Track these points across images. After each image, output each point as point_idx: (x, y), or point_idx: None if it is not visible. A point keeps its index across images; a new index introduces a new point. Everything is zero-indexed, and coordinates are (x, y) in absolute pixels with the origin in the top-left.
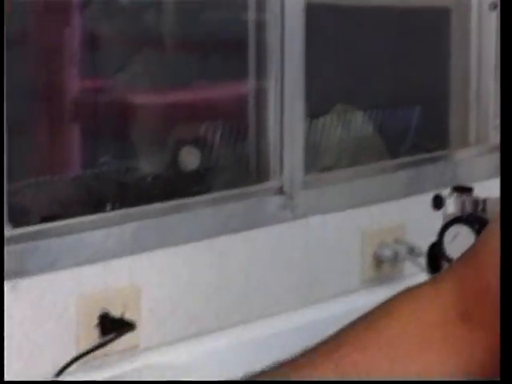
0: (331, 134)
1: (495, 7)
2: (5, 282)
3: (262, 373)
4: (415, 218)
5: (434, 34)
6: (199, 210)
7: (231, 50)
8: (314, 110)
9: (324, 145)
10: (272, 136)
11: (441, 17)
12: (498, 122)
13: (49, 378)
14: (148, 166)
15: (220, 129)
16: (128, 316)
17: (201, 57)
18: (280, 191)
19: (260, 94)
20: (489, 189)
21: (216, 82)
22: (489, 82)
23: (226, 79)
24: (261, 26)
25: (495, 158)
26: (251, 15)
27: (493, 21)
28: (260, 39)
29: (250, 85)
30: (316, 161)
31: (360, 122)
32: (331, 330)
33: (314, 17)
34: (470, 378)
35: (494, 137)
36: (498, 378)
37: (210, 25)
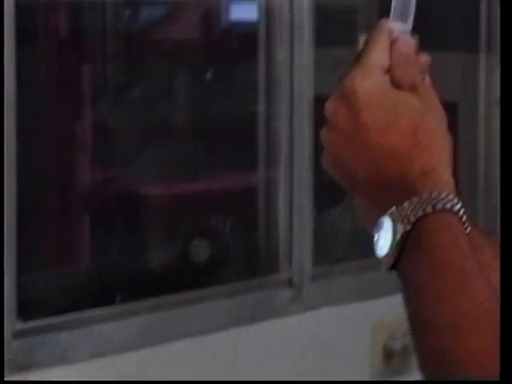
0: (341, 226)
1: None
2: (16, 376)
3: None
4: None
5: None
6: (209, 302)
7: (241, 140)
8: (324, 202)
9: (334, 236)
10: (281, 227)
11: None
12: None
13: None
14: (158, 257)
15: (230, 220)
16: None
17: (211, 148)
18: (289, 283)
19: (269, 186)
20: None
21: (226, 172)
22: (496, 174)
23: (236, 170)
24: (270, 118)
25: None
26: (261, 107)
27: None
28: (269, 131)
29: (259, 176)
30: (325, 252)
31: None
32: None
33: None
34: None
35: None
36: None
37: (220, 116)
